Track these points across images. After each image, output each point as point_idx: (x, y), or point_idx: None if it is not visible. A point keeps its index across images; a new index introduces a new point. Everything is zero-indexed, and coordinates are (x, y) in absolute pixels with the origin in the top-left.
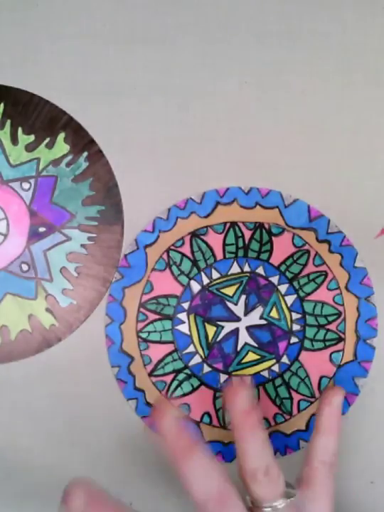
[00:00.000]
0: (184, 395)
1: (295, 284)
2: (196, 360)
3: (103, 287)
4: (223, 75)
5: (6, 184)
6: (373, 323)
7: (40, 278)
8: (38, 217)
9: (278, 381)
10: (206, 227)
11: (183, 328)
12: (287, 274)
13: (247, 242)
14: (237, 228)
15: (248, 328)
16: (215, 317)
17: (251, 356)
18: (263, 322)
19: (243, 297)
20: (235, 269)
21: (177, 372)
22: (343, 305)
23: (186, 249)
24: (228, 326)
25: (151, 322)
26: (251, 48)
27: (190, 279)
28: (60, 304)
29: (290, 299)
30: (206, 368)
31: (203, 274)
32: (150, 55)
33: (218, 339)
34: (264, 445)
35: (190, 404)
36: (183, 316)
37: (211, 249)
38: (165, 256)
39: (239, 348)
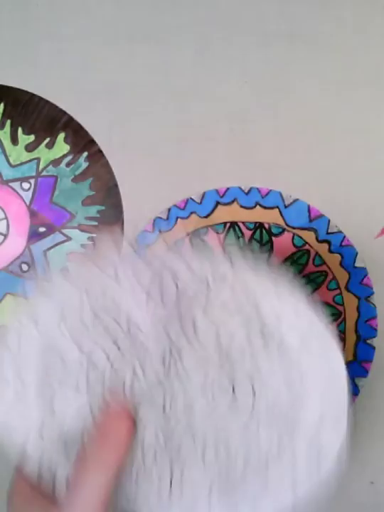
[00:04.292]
0: None
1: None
2: None
3: None
4: (223, 75)
5: (6, 184)
6: (373, 323)
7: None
8: (38, 217)
9: None
10: (206, 227)
11: None
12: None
13: (247, 242)
14: (237, 228)
15: None
16: None
17: None
18: None
19: None
20: None
21: None
22: (343, 305)
23: None
24: None
25: None
26: (251, 48)
27: None
28: None
29: None
30: None
31: None
32: (150, 55)
33: None
34: None
35: None
36: None
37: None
38: None
39: None
